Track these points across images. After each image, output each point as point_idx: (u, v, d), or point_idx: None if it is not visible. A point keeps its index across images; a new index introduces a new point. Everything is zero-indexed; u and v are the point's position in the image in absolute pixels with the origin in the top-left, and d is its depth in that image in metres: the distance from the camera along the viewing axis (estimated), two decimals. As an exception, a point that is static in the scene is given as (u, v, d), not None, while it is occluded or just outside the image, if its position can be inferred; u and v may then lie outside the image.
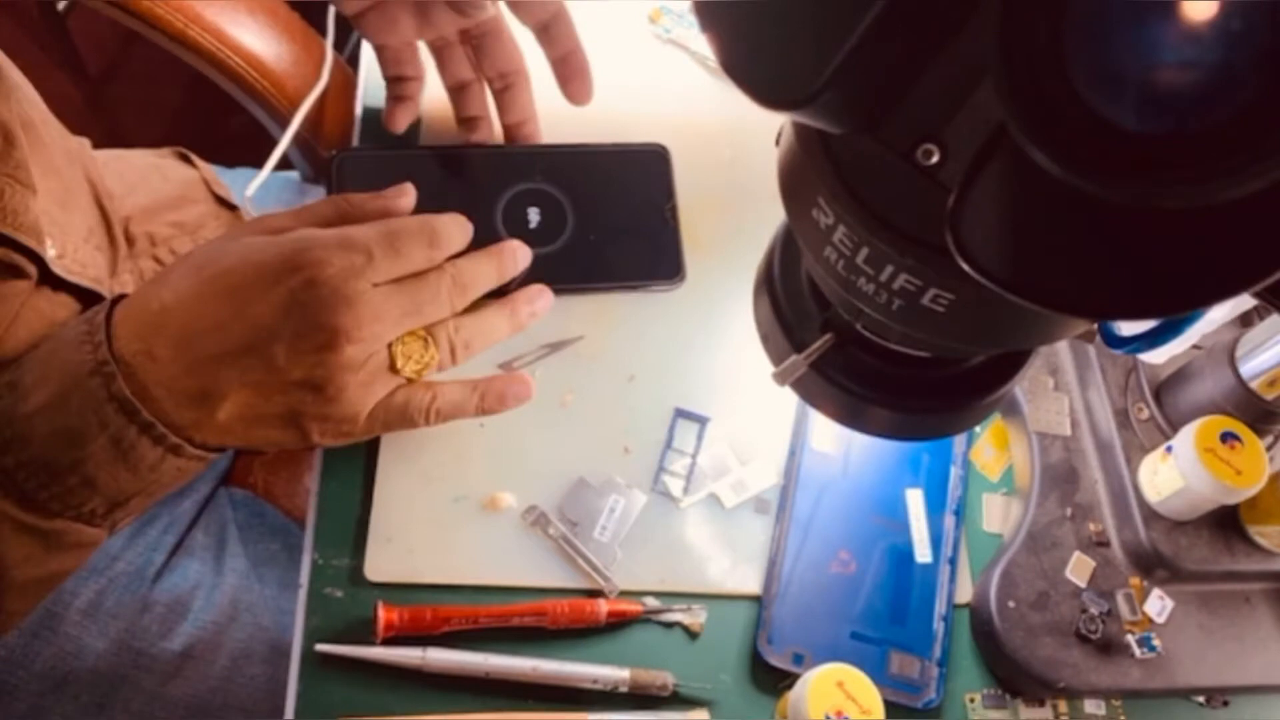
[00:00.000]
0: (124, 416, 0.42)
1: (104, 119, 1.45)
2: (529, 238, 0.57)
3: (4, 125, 0.49)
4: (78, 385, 0.42)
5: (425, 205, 0.53)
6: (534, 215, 0.61)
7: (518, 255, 0.54)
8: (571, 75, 0.62)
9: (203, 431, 0.45)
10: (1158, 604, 0.57)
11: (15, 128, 0.50)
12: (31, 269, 0.52)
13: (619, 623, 0.55)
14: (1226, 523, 0.58)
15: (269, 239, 0.45)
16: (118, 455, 0.43)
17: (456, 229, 0.50)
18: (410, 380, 0.49)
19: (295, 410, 0.45)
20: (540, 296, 0.55)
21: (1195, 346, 0.61)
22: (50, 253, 0.52)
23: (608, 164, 0.64)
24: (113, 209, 0.63)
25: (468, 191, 0.61)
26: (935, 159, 0.27)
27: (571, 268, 0.61)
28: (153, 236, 0.69)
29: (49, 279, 0.53)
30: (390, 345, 0.47)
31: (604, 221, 0.62)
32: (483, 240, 0.53)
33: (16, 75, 0.54)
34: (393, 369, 0.47)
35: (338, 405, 0.45)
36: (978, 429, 0.63)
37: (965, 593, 0.58)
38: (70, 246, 0.55)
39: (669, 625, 0.55)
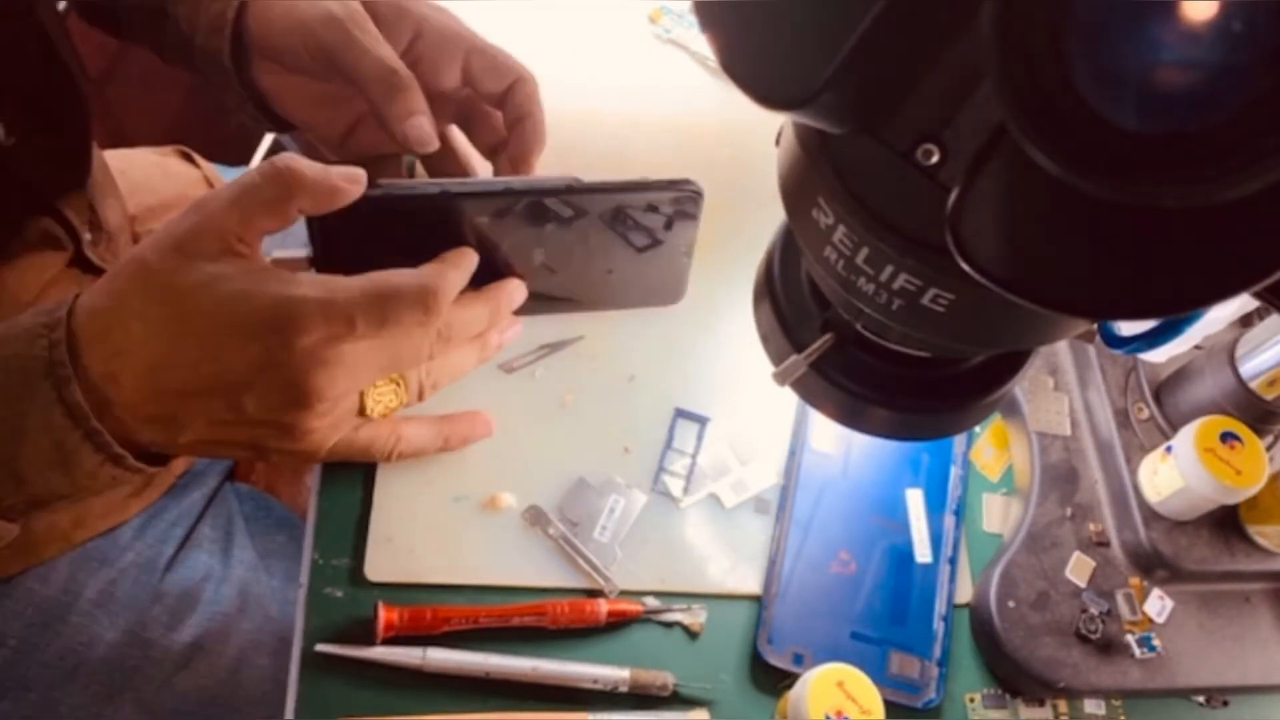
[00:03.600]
0: (71, 421, 0.41)
1: (105, 119, 1.45)
2: (531, 272, 0.53)
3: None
4: (26, 382, 0.40)
5: (424, 240, 0.48)
6: (539, 255, 0.53)
7: (514, 297, 0.51)
8: (518, 144, 0.56)
9: (158, 448, 0.44)
10: (1158, 604, 0.57)
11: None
12: (70, 245, 0.52)
13: (619, 623, 0.55)
14: (1226, 523, 0.58)
15: (247, 289, 0.41)
16: (56, 459, 0.41)
17: (456, 282, 0.46)
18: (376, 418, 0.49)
19: (258, 443, 0.45)
20: (512, 327, 0.53)
21: (1195, 347, 0.61)
22: (86, 236, 0.52)
23: (632, 205, 0.52)
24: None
25: (471, 229, 0.50)
26: (935, 159, 0.27)
27: (567, 296, 0.58)
28: (144, 235, 0.70)
29: (81, 261, 0.54)
30: (362, 391, 0.47)
31: (614, 259, 0.56)
32: (481, 273, 0.49)
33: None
34: (361, 412, 0.48)
35: (302, 444, 0.45)
36: (978, 429, 0.63)
37: (965, 593, 0.58)
38: (104, 236, 0.56)
39: (669, 625, 0.55)
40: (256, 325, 0.40)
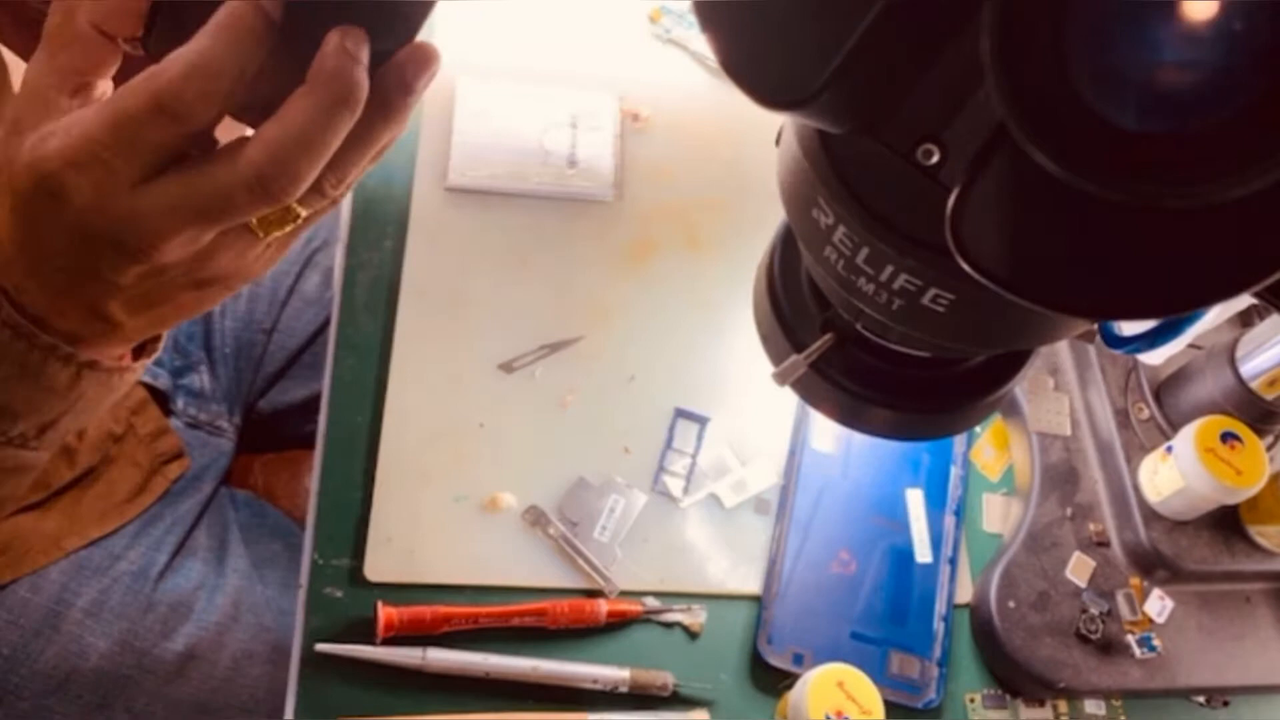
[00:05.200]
0: (23, 341, 0.39)
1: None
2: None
3: None
4: None
5: None
6: None
7: (353, 77, 0.34)
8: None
9: (114, 340, 0.42)
10: (1158, 604, 0.57)
11: None
12: None
13: (619, 623, 0.55)
14: (1226, 523, 0.58)
15: (11, 158, 0.36)
16: (28, 380, 0.40)
17: (201, 78, 0.33)
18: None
19: (193, 280, 0.40)
20: (424, 63, 0.37)
21: (1195, 346, 0.61)
22: None
23: None
24: None
25: None
26: (935, 159, 0.27)
27: None
28: None
29: None
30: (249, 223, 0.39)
31: None
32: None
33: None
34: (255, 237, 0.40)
35: (208, 274, 0.40)
36: (978, 429, 0.63)
37: (965, 593, 0.58)
38: None
39: (669, 625, 0.55)
40: (29, 198, 0.36)
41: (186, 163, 0.36)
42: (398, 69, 0.36)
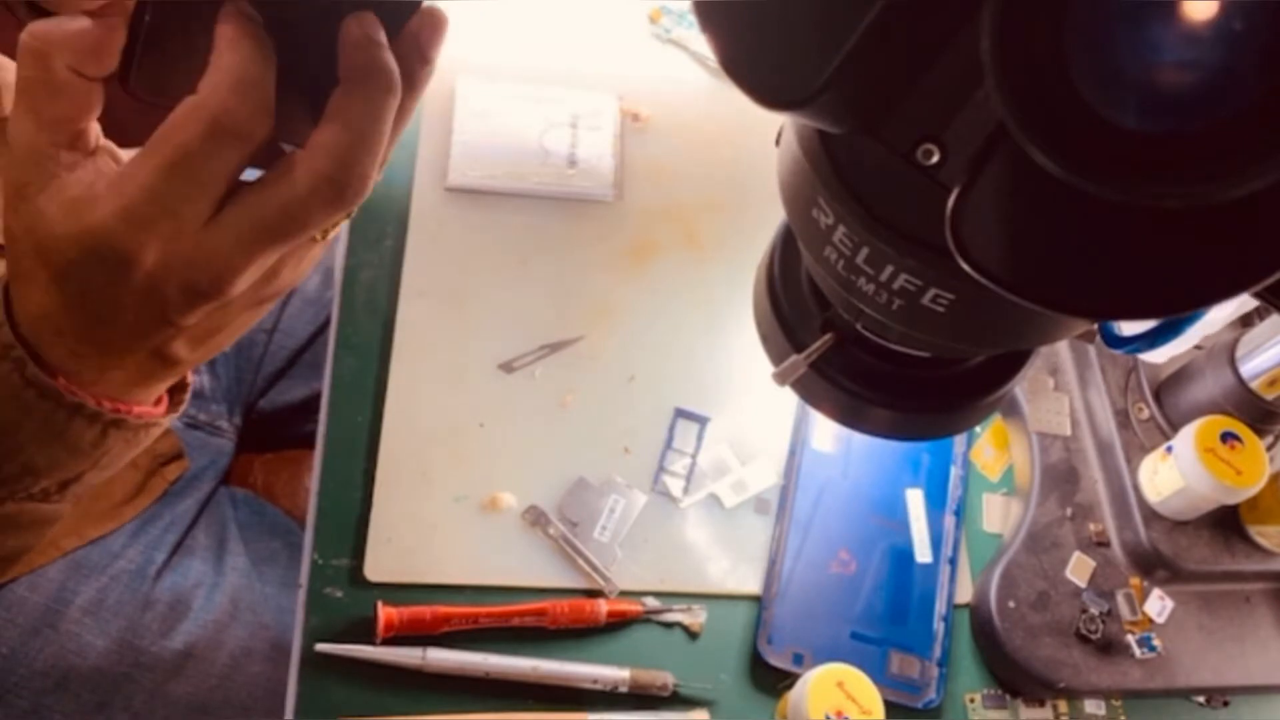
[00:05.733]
0: (49, 402, 0.38)
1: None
2: None
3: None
4: None
5: None
6: None
7: (387, 64, 0.34)
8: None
9: (169, 379, 0.41)
10: (1158, 604, 0.57)
11: None
12: None
13: (619, 623, 0.55)
14: (1226, 523, 0.58)
15: (52, 231, 0.34)
16: (52, 439, 0.39)
17: (250, 89, 0.33)
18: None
19: (255, 300, 0.39)
20: (436, 29, 0.37)
21: (1196, 347, 0.61)
22: None
23: None
24: None
25: None
26: (935, 159, 0.27)
27: None
28: None
29: None
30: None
31: None
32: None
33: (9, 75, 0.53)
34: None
35: (271, 293, 0.39)
36: (978, 429, 0.63)
37: (965, 593, 0.58)
38: None
39: (669, 625, 0.55)
40: (84, 268, 0.34)
41: (247, 190, 0.34)
42: (411, 39, 0.36)
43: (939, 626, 0.57)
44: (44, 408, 0.38)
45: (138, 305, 0.35)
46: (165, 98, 0.34)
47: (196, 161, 0.33)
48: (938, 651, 0.56)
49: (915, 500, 0.60)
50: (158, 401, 0.43)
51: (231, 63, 0.32)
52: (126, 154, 0.36)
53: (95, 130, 0.35)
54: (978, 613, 0.57)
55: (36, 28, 0.32)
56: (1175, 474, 0.55)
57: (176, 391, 0.43)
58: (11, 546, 0.45)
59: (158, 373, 0.40)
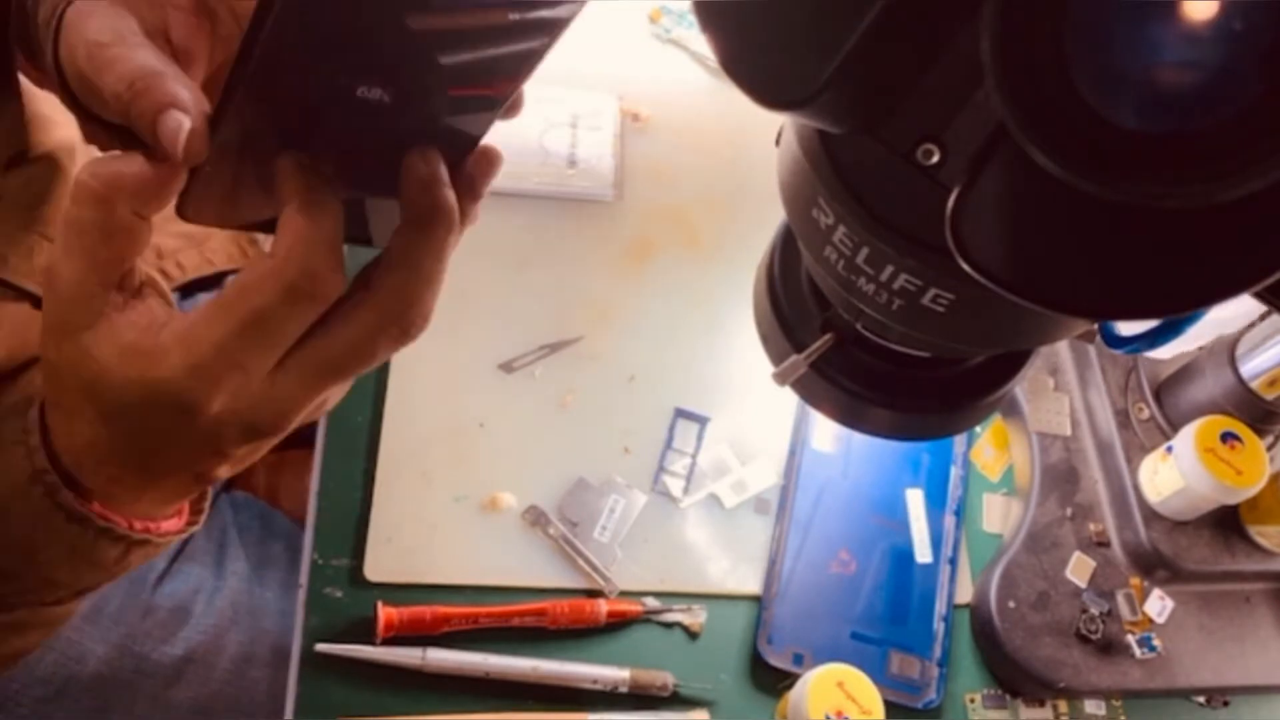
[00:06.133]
0: (76, 525, 0.38)
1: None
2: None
3: (38, 180, 0.46)
4: (17, 495, 0.37)
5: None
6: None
7: (450, 205, 0.35)
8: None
9: (203, 489, 0.42)
10: (1158, 604, 0.57)
11: (52, 179, 0.47)
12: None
13: (619, 623, 0.55)
14: (1227, 523, 0.58)
15: (109, 371, 0.34)
16: (77, 559, 0.39)
17: (326, 250, 0.33)
18: None
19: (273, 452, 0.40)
20: (490, 167, 0.37)
21: (1199, 347, 0.61)
22: None
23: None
24: None
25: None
26: (935, 159, 0.27)
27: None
28: (159, 249, 0.69)
29: None
30: None
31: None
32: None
33: (47, 107, 0.53)
34: None
35: (324, 409, 0.41)
36: (978, 429, 0.63)
37: (965, 593, 0.58)
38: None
39: (669, 625, 0.55)
40: (144, 412, 0.34)
41: (313, 332, 0.35)
42: (467, 178, 0.37)
43: (939, 626, 0.57)
44: (72, 530, 0.38)
45: (194, 444, 0.35)
46: (219, 224, 0.35)
47: (272, 325, 0.33)
48: (938, 651, 0.56)
49: (915, 500, 0.60)
50: (178, 512, 0.43)
51: (303, 226, 0.32)
52: (167, 289, 0.36)
53: (140, 268, 0.35)
54: (978, 613, 0.57)
55: (98, 170, 0.32)
56: (1175, 474, 0.55)
57: (197, 499, 0.43)
58: (19, 645, 0.46)
59: (191, 491, 0.40)
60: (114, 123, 0.37)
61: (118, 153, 0.33)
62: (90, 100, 0.40)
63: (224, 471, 0.39)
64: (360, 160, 0.34)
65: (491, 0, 0.30)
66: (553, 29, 0.31)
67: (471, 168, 0.36)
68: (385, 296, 0.35)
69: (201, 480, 0.39)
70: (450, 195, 0.34)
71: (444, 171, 0.34)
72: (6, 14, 0.48)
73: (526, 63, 0.33)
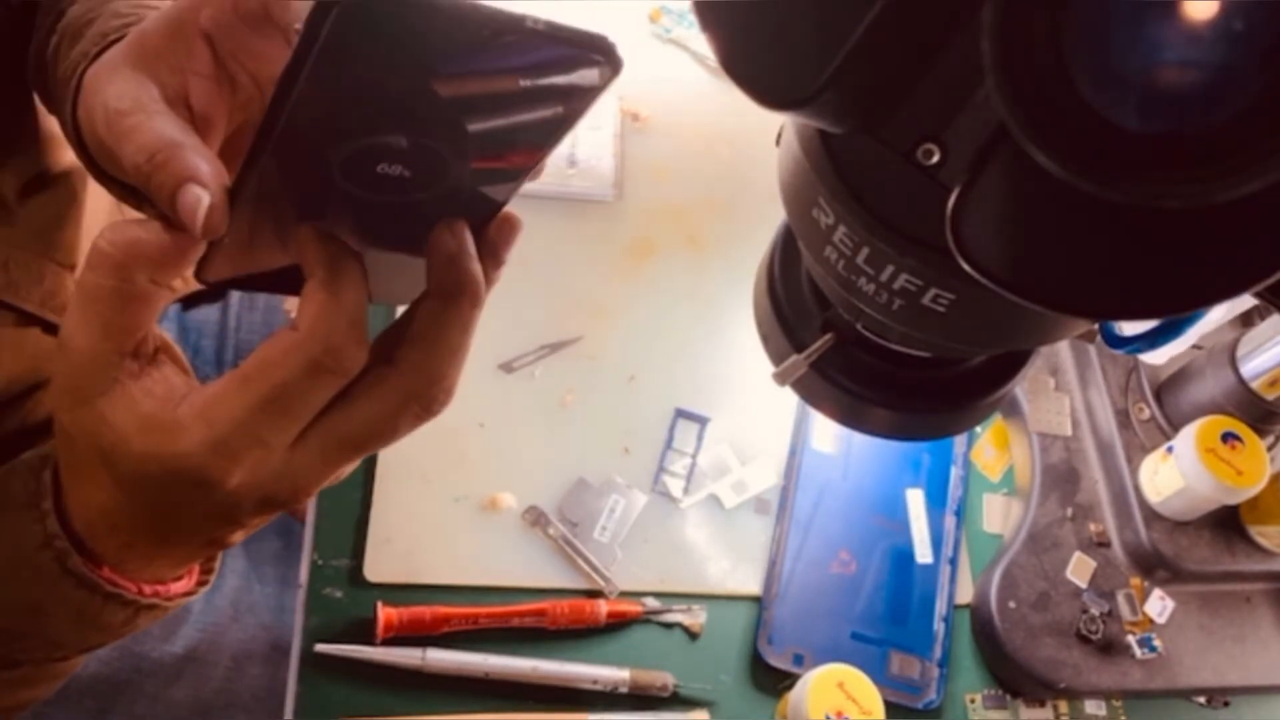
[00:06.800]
0: (85, 590, 0.37)
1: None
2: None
3: (52, 204, 0.46)
4: (26, 560, 0.37)
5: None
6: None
7: (476, 277, 0.35)
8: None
9: (194, 565, 0.42)
10: (1158, 604, 0.57)
11: (66, 203, 0.47)
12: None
13: (619, 623, 0.55)
14: (1227, 523, 0.58)
15: (124, 441, 0.33)
16: (83, 622, 0.39)
17: (349, 326, 0.32)
18: None
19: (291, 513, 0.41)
20: (512, 234, 0.36)
21: (1195, 346, 0.61)
22: None
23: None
24: None
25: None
26: (935, 159, 0.27)
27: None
28: None
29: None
30: None
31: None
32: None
33: (54, 124, 0.53)
34: None
35: (340, 479, 0.40)
36: (978, 429, 0.63)
37: (965, 593, 0.58)
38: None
39: (669, 625, 0.55)
40: (163, 485, 0.34)
41: (334, 407, 0.34)
42: (490, 244, 0.36)
43: (939, 627, 0.57)
44: (80, 596, 0.38)
45: (210, 515, 0.35)
46: (233, 279, 0.35)
47: (294, 399, 0.32)
48: (938, 652, 0.56)
49: (915, 500, 0.60)
50: (188, 572, 0.43)
51: (326, 301, 0.32)
52: (181, 354, 0.35)
53: (155, 332, 0.35)
54: (978, 613, 0.57)
55: (116, 238, 0.32)
56: (1176, 474, 0.55)
57: (207, 560, 0.43)
58: (23, 699, 0.46)
59: (202, 555, 0.40)
60: (129, 183, 0.37)
61: (136, 218, 0.33)
62: (108, 164, 0.40)
63: (238, 538, 0.38)
64: (383, 221, 0.34)
65: (515, 65, 0.30)
66: (580, 99, 0.32)
67: (494, 234, 0.36)
68: (409, 372, 0.34)
69: (214, 545, 0.39)
70: (477, 268, 0.34)
71: (471, 244, 0.34)
72: (26, 37, 0.48)
73: (552, 134, 0.33)
